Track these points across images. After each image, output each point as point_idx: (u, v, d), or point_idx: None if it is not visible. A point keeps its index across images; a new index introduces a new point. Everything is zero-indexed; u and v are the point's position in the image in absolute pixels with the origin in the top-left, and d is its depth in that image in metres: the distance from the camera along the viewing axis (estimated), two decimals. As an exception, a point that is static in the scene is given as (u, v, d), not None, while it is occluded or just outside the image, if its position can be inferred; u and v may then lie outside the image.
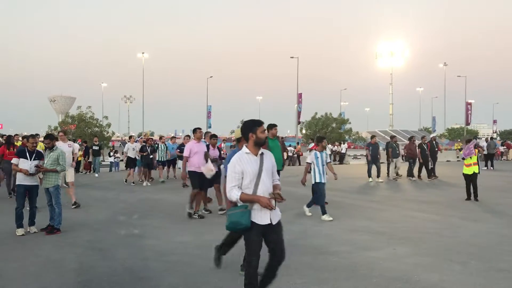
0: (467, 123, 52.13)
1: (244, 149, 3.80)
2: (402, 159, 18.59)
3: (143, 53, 52.61)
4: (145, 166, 14.75)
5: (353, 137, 52.38)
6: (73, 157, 10.21)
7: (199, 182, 8.56)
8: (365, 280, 4.81)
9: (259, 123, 3.82)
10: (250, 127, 3.78)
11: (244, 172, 3.68)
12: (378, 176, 15.46)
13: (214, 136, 9.60)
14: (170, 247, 6.30)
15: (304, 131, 46.22)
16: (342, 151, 31.04)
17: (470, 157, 10.54)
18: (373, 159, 15.58)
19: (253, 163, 3.72)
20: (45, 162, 7.25)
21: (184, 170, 8.73)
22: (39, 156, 7.23)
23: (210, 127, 51.33)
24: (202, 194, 8.84)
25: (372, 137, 17.30)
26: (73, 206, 9.59)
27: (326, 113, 45.01)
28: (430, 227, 7.67)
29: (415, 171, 16.41)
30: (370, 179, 15.40)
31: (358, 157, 38.67)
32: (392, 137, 17.71)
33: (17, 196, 7.22)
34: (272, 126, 8.60)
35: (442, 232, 7.20)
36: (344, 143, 35.16)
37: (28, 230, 7.22)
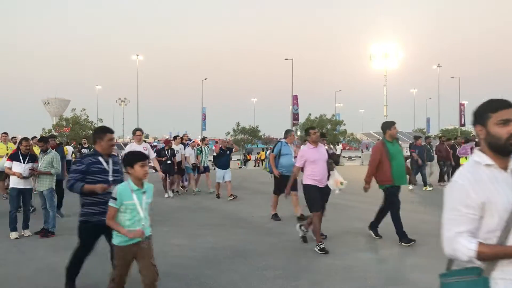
0: (461, 124, 52.37)
1: (479, 156, 1.94)
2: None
3: (137, 55, 52.44)
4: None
5: (348, 138, 52.52)
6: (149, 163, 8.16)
7: (321, 200, 6.31)
8: (360, 282, 4.82)
9: (498, 104, 1.87)
10: (480, 112, 1.93)
11: (487, 205, 1.84)
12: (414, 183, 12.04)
13: (322, 136, 7.27)
14: (165, 250, 6.28)
15: (299, 133, 46.31)
16: (337, 153, 31.19)
17: (466, 158, 10.57)
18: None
19: (503, 187, 1.86)
20: (39, 165, 7.22)
21: (290, 183, 6.55)
22: (33, 159, 7.20)
23: (205, 129, 51.25)
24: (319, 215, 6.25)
25: (417, 138, 14.78)
26: None
27: (321, 114, 45.21)
28: (425, 228, 7.71)
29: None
30: (411, 186, 12.64)
31: (353, 158, 38.92)
32: (425, 138, 15.78)
33: (11, 200, 7.19)
34: (390, 125, 6.60)
35: (437, 233, 7.22)
36: (339, 145, 35.37)
37: (22, 233, 7.19)
